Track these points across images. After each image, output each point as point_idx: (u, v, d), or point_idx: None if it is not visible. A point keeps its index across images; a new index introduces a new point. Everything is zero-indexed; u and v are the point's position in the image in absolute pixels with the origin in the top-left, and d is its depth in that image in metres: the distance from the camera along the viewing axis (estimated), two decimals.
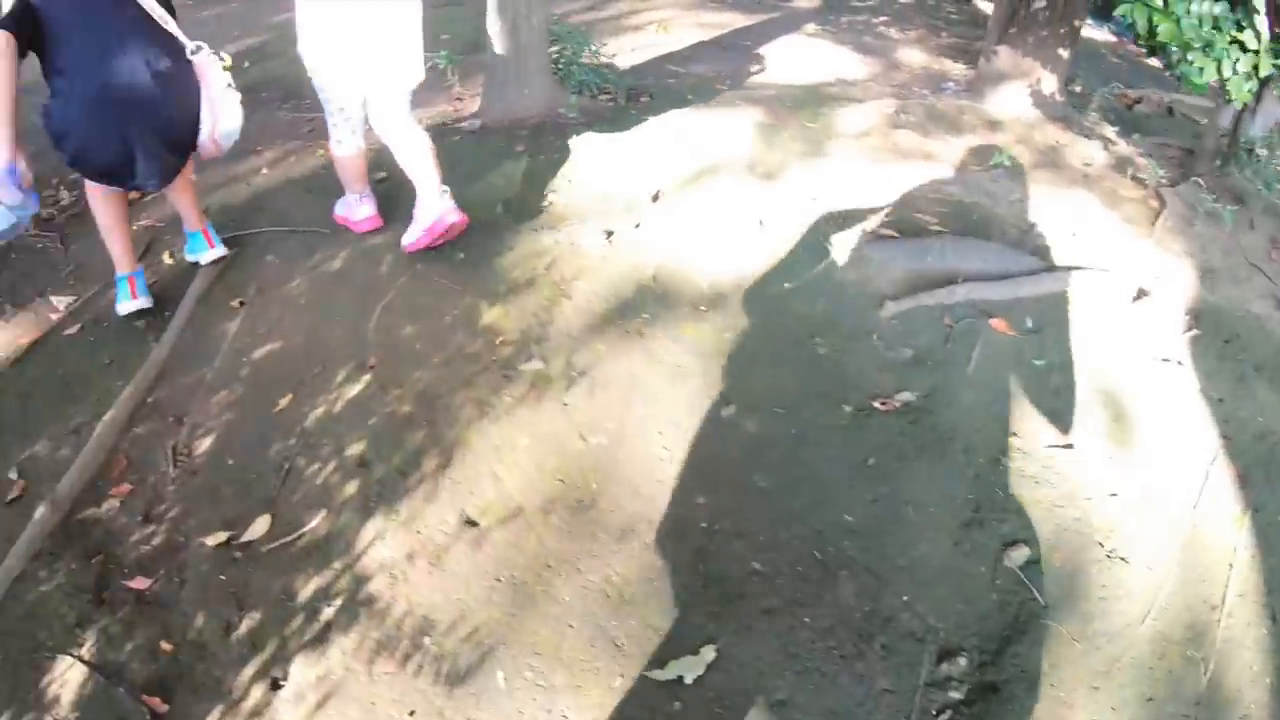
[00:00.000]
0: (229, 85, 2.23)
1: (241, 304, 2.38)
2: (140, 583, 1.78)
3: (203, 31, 5.54)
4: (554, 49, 3.39)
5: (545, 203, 2.72)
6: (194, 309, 2.40)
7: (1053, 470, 2.04)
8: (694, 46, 4.37)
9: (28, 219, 2.08)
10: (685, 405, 2.07)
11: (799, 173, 2.91)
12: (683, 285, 2.39)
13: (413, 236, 2.47)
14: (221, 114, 2.23)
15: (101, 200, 2.27)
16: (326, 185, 2.87)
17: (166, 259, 2.67)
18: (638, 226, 2.57)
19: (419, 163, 2.44)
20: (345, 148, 2.49)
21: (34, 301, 2.67)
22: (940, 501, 1.94)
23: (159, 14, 2.13)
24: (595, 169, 2.91)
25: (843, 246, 2.56)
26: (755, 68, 4.13)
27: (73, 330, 2.44)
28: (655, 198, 2.71)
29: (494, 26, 3.15)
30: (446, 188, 2.45)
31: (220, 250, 2.51)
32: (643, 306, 2.30)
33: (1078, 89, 4.00)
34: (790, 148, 3.07)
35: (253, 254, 2.63)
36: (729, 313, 2.31)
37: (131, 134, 2.10)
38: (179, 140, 2.20)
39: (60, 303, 2.58)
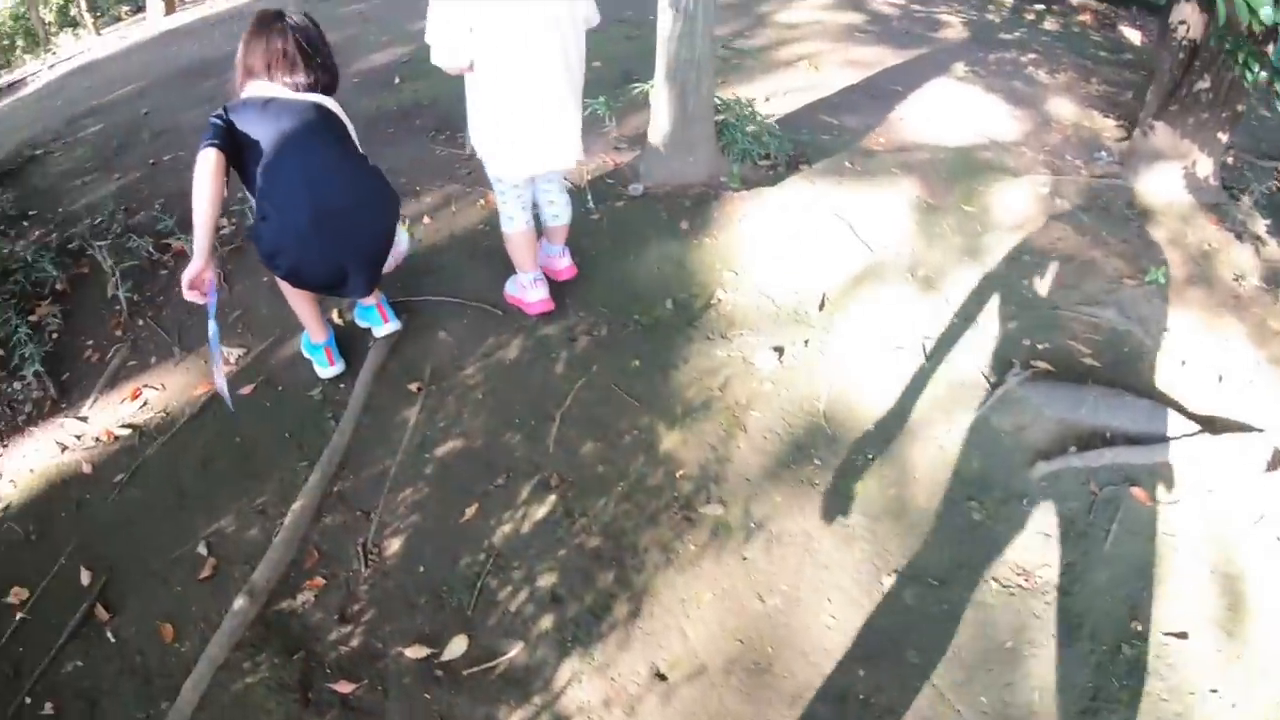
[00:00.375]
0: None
1: (419, 389, 2.43)
2: (344, 687, 1.87)
3: (347, 35, 5.40)
4: (719, 117, 3.35)
5: (714, 300, 2.74)
6: (371, 386, 2.45)
7: (1164, 660, 2.08)
8: (845, 91, 4.27)
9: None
10: (852, 571, 2.13)
11: (959, 280, 2.91)
12: (850, 424, 2.43)
13: (516, 292, 2.68)
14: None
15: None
16: (492, 250, 2.90)
17: (335, 318, 2.70)
18: (806, 344, 2.60)
19: (558, 230, 2.65)
20: (516, 224, 2.51)
21: (204, 346, 2.71)
22: (1065, 689, 2.02)
23: (351, 130, 2.14)
24: (761, 259, 2.91)
25: (1000, 382, 2.60)
26: (907, 120, 4.05)
27: (247, 390, 2.50)
28: (821, 305, 2.73)
29: (662, 94, 3.12)
30: (569, 249, 2.75)
31: (395, 325, 2.54)
32: (814, 448, 2.35)
33: (1230, 158, 3.90)
34: (950, 242, 3.06)
35: (424, 326, 2.67)
36: (893, 464, 2.36)
37: (345, 257, 2.14)
38: (384, 252, 2.24)
39: (231, 354, 2.63)
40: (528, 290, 2.65)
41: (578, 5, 2.22)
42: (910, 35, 5.17)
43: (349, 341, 2.61)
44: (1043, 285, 2.94)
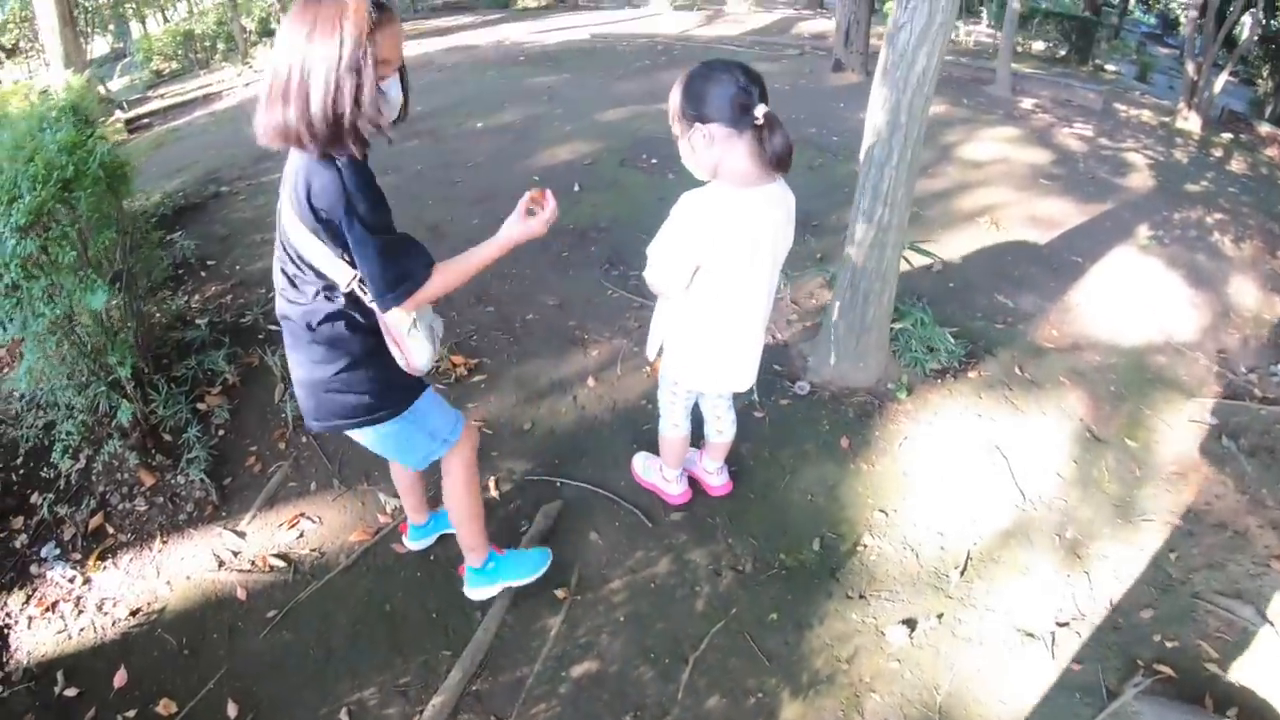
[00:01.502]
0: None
1: (564, 596, 2.52)
2: None
3: (530, 115, 5.46)
4: (896, 325, 3.42)
5: (860, 546, 2.77)
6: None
7: None
8: (1025, 258, 4.18)
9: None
10: None
11: (1105, 550, 2.83)
12: None
13: (657, 481, 2.75)
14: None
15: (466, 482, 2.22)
16: (652, 437, 2.95)
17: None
18: (940, 619, 2.64)
19: (719, 447, 2.68)
20: (680, 430, 2.56)
21: (363, 486, 2.85)
22: None
23: None
24: (913, 500, 2.89)
25: (1117, 694, 2.58)
26: (1083, 306, 3.95)
27: (402, 551, 2.61)
28: (964, 569, 2.76)
29: (842, 298, 3.15)
30: (728, 466, 2.77)
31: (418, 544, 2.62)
32: None
33: None
34: (1105, 493, 3.00)
35: (578, 520, 2.72)
36: None
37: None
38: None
39: (389, 505, 2.76)
40: (671, 484, 2.72)
41: (791, 229, 2.22)
42: (1095, 183, 4.98)
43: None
44: (1187, 562, 2.82)
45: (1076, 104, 8.19)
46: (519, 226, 1.78)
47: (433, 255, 1.72)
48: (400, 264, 1.62)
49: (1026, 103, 8.09)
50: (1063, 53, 13.32)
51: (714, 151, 1.88)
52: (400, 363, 1.82)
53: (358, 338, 1.77)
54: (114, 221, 2.87)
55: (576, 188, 4.62)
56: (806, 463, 3.00)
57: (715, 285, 2.16)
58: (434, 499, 2.62)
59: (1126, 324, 3.82)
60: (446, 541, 2.61)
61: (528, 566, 2.43)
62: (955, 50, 10.76)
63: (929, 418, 3.21)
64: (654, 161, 4.93)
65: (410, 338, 1.76)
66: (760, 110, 1.81)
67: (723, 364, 2.33)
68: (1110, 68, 13.33)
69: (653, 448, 2.89)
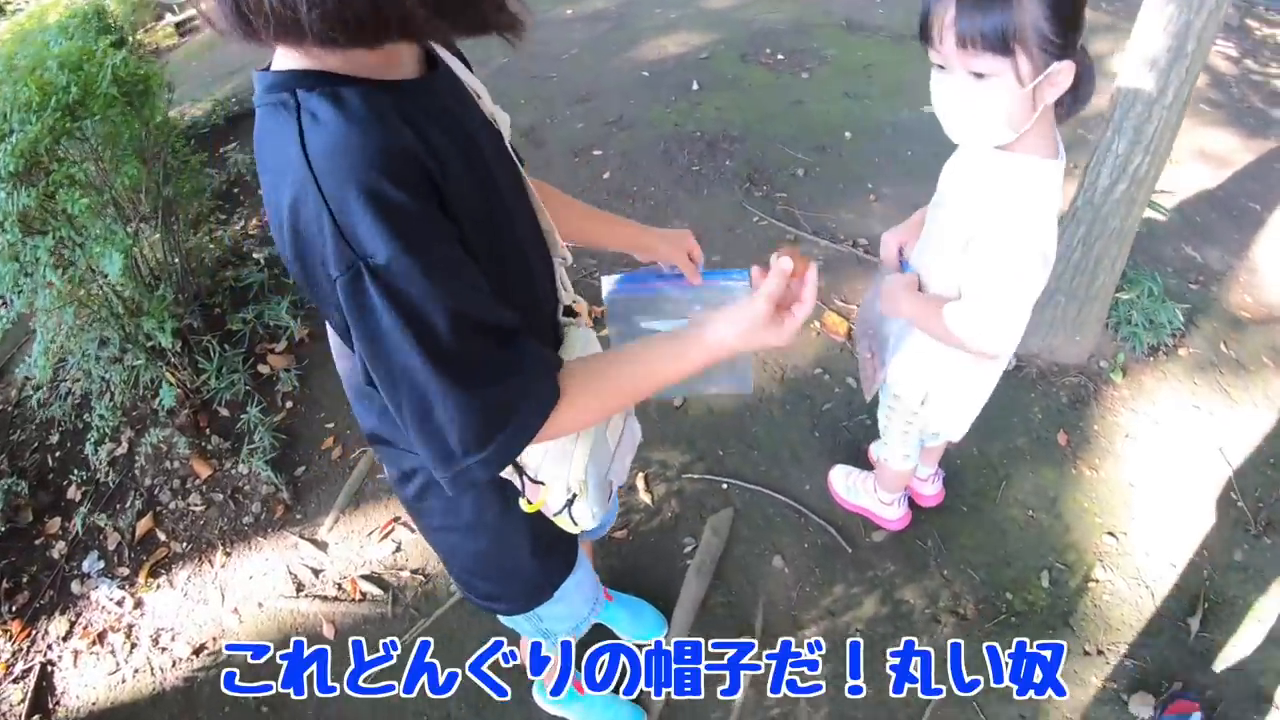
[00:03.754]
0: None
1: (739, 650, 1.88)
2: None
3: None
4: (1123, 295, 2.62)
5: (1090, 583, 2.00)
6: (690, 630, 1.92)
7: None
8: (1202, 203, 3.26)
9: None
10: None
11: None
12: None
13: (869, 503, 2.07)
14: None
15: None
16: (836, 420, 2.27)
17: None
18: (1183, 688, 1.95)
19: (936, 450, 2.01)
20: (909, 462, 1.89)
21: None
22: None
23: None
24: (1143, 519, 2.12)
25: None
26: (1268, 264, 3.13)
27: None
28: (1203, 618, 2.03)
29: (1063, 258, 2.38)
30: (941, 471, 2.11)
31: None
32: None
33: None
34: None
35: (757, 534, 2.06)
36: None
37: None
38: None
39: None
40: (890, 507, 2.02)
41: None
42: (1253, 113, 4.12)
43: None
44: None
45: None
46: (761, 332, 0.86)
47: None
48: (488, 396, 0.75)
49: None
50: None
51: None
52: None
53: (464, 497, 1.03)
54: (138, 148, 2.20)
55: (695, 85, 3.76)
56: (1022, 464, 2.27)
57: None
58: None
59: None
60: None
61: None
62: None
63: (1147, 407, 2.46)
64: (780, 57, 4.00)
65: (562, 516, 1.02)
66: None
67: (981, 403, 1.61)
68: None
69: (848, 453, 2.22)
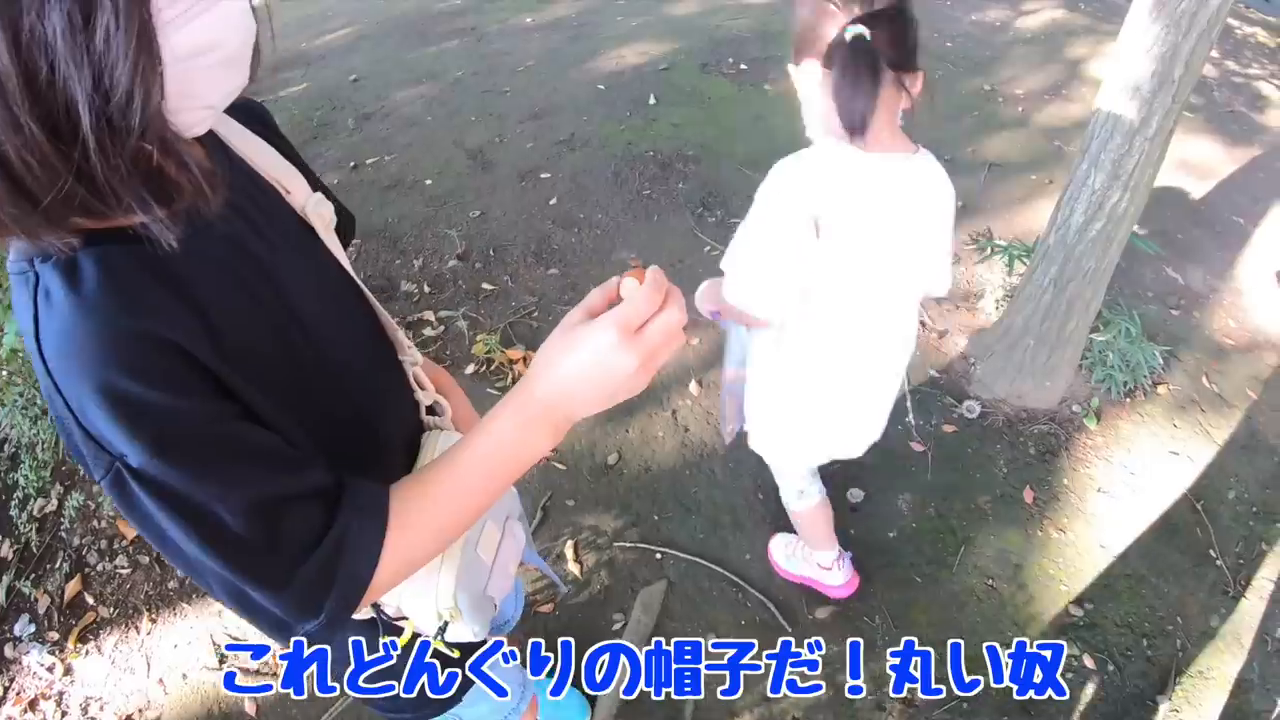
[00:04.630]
0: None
1: None
2: None
3: (586, 6, 4.29)
4: (1098, 336, 2.52)
5: None
6: None
7: None
8: (1183, 216, 3.25)
9: None
10: None
11: None
12: None
13: (809, 571, 1.97)
14: None
15: None
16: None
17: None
18: None
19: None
20: (807, 499, 1.78)
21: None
22: None
23: None
24: (1113, 587, 2.10)
25: None
26: (1252, 286, 3.04)
27: None
28: (1169, 694, 1.97)
29: (1037, 300, 2.28)
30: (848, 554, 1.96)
31: None
32: None
33: None
34: None
35: (688, 610, 1.96)
36: None
37: None
38: None
39: None
40: (831, 572, 1.93)
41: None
42: (1236, 118, 4.04)
43: None
44: None
45: None
46: (612, 363, 0.63)
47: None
48: (302, 571, 0.64)
49: None
50: None
51: None
52: None
53: None
54: None
55: (652, 100, 3.61)
56: (983, 526, 2.18)
57: (829, 320, 1.37)
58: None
59: None
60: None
61: None
62: None
63: (1122, 456, 2.36)
64: (742, 67, 3.85)
65: (438, 640, 0.91)
66: None
67: (839, 425, 1.55)
68: None
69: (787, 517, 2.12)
